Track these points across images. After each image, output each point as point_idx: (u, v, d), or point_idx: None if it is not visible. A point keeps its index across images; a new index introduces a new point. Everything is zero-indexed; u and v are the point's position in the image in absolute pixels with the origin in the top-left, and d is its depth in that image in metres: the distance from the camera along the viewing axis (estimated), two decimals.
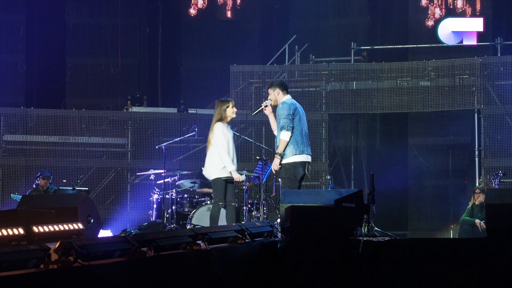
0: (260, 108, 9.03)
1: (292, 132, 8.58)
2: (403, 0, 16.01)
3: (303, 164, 8.67)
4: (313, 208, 7.02)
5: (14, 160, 13.82)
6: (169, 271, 5.45)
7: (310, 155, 8.81)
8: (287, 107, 8.65)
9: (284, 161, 8.62)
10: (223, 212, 9.01)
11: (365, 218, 6.85)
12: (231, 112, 9.05)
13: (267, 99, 8.97)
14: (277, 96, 8.84)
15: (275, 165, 8.68)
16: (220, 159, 8.90)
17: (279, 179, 11.56)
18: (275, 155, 8.65)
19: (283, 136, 8.57)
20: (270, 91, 8.91)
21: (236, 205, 9.26)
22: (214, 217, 8.93)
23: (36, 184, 12.06)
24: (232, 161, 9.00)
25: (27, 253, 4.41)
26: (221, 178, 8.95)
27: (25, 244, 4.77)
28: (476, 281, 6.38)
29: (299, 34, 15.60)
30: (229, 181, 9.01)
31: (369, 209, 6.93)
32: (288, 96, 8.85)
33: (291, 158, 8.61)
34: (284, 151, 8.59)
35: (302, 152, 8.64)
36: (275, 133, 8.87)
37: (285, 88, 8.87)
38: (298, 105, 8.85)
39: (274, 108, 8.92)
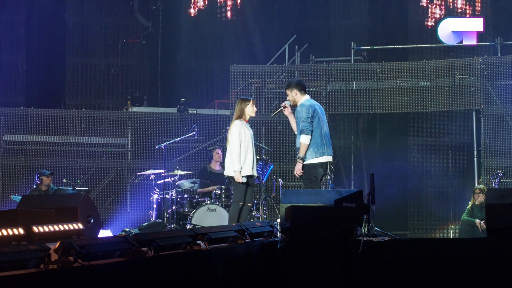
0: (279, 109, 8.97)
1: (311, 135, 8.54)
2: (403, 0, 16.01)
3: (323, 164, 8.63)
4: (313, 208, 7.01)
5: (14, 160, 13.79)
6: (169, 271, 5.44)
7: (331, 155, 8.76)
8: (305, 109, 8.58)
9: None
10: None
11: (365, 218, 6.84)
12: (250, 110, 8.91)
13: (286, 100, 8.89)
14: (295, 96, 8.78)
15: (298, 170, 8.55)
16: (230, 156, 8.82)
17: (279, 180, 11.73)
18: (297, 160, 8.56)
19: (303, 140, 8.51)
20: (287, 92, 8.85)
21: (253, 207, 9.12)
22: (232, 217, 8.74)
23: (36, 184, 12.04)
24: (250, 160, 8.79)
25: (27, 253, 4.40)
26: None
27: (25, 244, 4.77)
28: (476, 281, 6.38)
29: (299, 34, 15.58)
30: (249, 180, 8.86)
31: (369, 209, 6.92)
32: (307, 97, 8.79)
33: (311, 160, 8.56)
34: (305, 154, 8.53)
35: (322, 154, 8.58)
36: (296, 133, 8.80)
37: (302, 88, 8.80)
38: (317, 105, 8.78)
39: (293, 108, 8.85)
